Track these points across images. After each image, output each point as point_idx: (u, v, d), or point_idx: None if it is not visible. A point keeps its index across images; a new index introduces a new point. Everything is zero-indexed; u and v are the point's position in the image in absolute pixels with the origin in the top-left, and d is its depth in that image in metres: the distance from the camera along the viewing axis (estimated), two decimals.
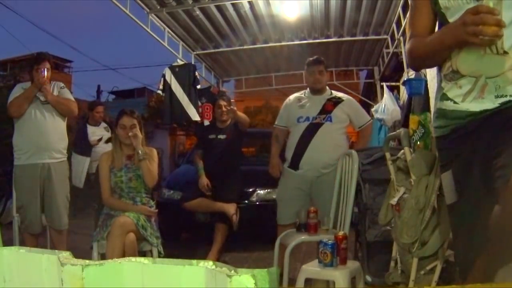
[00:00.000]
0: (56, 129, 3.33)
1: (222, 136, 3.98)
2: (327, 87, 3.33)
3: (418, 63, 1.52)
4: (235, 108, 4.00)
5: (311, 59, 3.33)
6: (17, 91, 3.31)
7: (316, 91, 3.26)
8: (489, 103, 1.23)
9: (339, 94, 3.31)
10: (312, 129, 3.13)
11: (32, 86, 3.24)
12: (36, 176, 3.20)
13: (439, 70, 1.40)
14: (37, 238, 3.27)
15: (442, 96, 1.34)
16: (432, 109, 1.47)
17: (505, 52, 1.20)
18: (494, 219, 1.17)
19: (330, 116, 3.14)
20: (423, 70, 4.77)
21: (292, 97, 3.40)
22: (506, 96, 1.21)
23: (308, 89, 3.34)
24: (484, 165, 1.24)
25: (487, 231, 1.25)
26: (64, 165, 3.40)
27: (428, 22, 1.40)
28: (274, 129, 3.52)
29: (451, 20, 1.31)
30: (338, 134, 3.16)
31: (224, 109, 3.95)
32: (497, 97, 1.22)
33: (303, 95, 3.33)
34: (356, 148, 3.10)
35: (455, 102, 1.30)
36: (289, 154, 3.24)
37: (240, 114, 4.13)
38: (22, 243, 3.28)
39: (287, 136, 3.37)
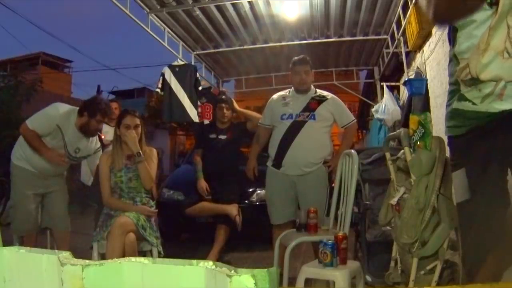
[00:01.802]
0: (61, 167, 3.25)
1: (223, 137, 3.98)
2: (312, 86, 3.28)
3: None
4: (241, 110, 3.99)
5: (296, 58, 3.26)
6: (50, 123, 2.98)
7: (301, 91, 3.21)
8: (507, 104, 1.27)
9: (324, 93, 3.26)
10: (295, 127, 3.10)
11: (47, 157, 2.98)
12: (35, 180, 3.14)
13: (452, 74, 1.41)
14: (35, 240, 3.23)
15: (460, 96, 1.37)
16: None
17: None
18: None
19: (314, 114, 3.10)
20: (423, 70, 4.77)
21: (276, 95, 3.35)
22: None
23: (292, 88, 3.29)
24: (502, 163, 1.29)
25: (500, 228, 1.28)
26: (62, 168, 3.38)
27: None
28: (257, 128, 3.48)
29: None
30: (322, 132, 3.13)
31: (225, 111, 3.95)
32: None
33: (287, 94, 3.28)
34: (343, 148, 3.08)
35: (473, 103, 1.32)
36: (272, 151, 3.21)
37: (251, 113, 4.08)
38: (10, 244, 3.23)
39: (269, 136, 3.33)
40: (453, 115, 1.40)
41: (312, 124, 3.09)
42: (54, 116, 3.02)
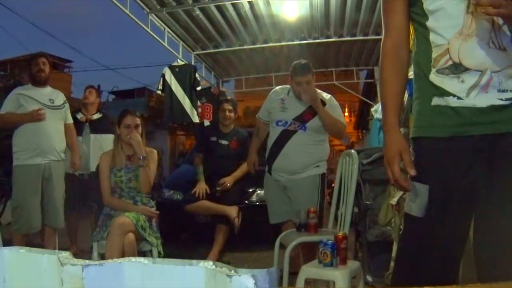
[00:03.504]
0: (58, 131, 3.38)
1: (224, 142, 3.95)
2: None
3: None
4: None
5: (297, 66, 3.04)
6: (13, 98, 3.30)
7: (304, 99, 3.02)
8: (493, 98, 1.18)
9: (324, 96, 3.08)
10: (285, 136, 3.02)
11: (28, 118, 3.22)
12: (39, 176, 3.23)
13: (419, 66, 1.31)
14: (26, 238, 3.29)
15: (440, 91, 1.23)
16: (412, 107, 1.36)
17: (504, 49, 1.19)
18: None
19: (305, 125, 3.00)
20: None
21: (274, 94, 3.20)
22: (507, 91, 1.19)
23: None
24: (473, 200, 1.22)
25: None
26: (62, 164, 3.43)
27: (402, 22, 1.33)
28: (256, 121, 3.40)
29: (427, 2, 1.24)
30: (312, 143, 3.01)
31: (228, 113, 3.92)
32: (499, 91, 1.18)
33: (287, 95, 3.12)
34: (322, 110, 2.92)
35: (459, 98, 1.20)
36: (266, 155, 3.17)
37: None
38: (10, 243, 3.27)
39: (268, 130, 3.24)
40: (431, 113, 1.25)
41: (302, 134, 2.99)
42: (14, 93, 3.36)
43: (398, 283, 1.38)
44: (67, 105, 3.56)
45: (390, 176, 1.26)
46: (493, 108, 1.19)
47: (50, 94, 3.43)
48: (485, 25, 1.18)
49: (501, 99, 1.18)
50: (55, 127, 3.36)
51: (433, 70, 1.25)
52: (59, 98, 3.50)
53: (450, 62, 1.21)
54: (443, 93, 1.23)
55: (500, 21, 1.18)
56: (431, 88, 1.25)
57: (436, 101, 1.24)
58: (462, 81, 1.20)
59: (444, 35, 1.22)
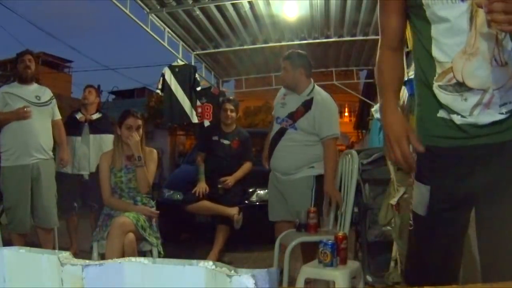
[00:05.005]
0: (45, 129, 3.36)
1: (225, 141, 3.95)
2: (311, 85, 2.99)
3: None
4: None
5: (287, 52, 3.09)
6: None
7: (289, 89, 3.02)
8: (495, 114, 1.20)
9: (319, 96, 2.94)
10: (279, 134, 2.99)
11: (14, 116, 3.20)
12: (27, 176, 3.21)
13: (422, 72, 1.31)
14: (24, 238, 3.29)
15: (446, 109, 1.25)
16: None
17: (506, 63, 1.19)
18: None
19: (294, 124, 2.93)
20: None
21: (282, 89, 3.16)
22: (506, 103, 1.20)
23: None
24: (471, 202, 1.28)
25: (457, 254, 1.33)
26: (51, 163, 3.41)
27: (397, 24, 1.33)
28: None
29: (429, 11, 1.22)
30: (303, 144, 2.92)
31: (229, 113, 3.92)
32: (500, 106, 1.20)
33: (288, 90, 3.06)
34: (328, 172, 2.81)
35: (462, 116, 1.23)
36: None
37: None
38: (10, 243, 3.28)
39: None
40: (438, 124, 1.27)
41: (293, 134, 2.93)
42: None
43: (409, 276, 1.47)
44: (54, 100, 3.51)
45: (398, 155, 1.25)
46: (494, 123, 1.21)
47: (36, 91, 3.39)
48: (489, 43, 1.17)
49: (502, 113, 1.21)
50: (41, 125, 3.33)
51: (436, 84, 1.25)
52: (46, 94, 3.46)
53: (454, 81, 1.22)
54: (448, 110, 1.25)
55: (502, 35, 1.17)
56: (436, 101, 1.27)
57: (441, 113, 1.27)
58: (465, 100, 1.21)
59: (448, 53, 1.22)
